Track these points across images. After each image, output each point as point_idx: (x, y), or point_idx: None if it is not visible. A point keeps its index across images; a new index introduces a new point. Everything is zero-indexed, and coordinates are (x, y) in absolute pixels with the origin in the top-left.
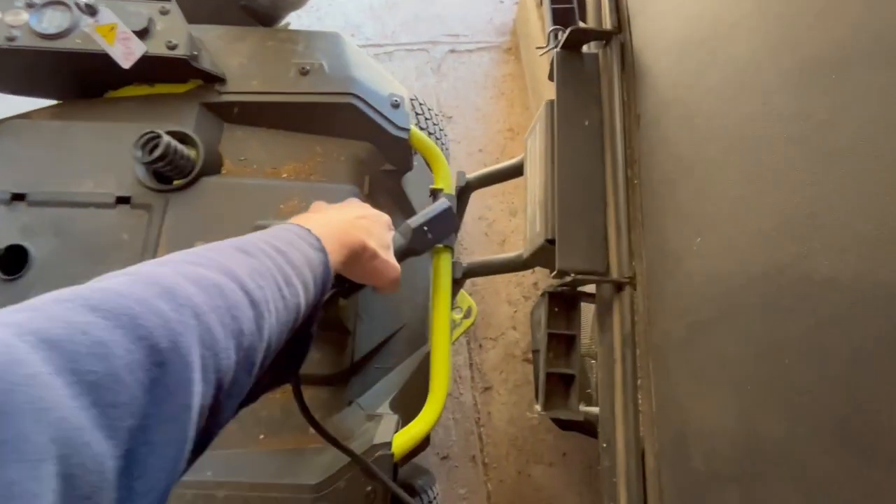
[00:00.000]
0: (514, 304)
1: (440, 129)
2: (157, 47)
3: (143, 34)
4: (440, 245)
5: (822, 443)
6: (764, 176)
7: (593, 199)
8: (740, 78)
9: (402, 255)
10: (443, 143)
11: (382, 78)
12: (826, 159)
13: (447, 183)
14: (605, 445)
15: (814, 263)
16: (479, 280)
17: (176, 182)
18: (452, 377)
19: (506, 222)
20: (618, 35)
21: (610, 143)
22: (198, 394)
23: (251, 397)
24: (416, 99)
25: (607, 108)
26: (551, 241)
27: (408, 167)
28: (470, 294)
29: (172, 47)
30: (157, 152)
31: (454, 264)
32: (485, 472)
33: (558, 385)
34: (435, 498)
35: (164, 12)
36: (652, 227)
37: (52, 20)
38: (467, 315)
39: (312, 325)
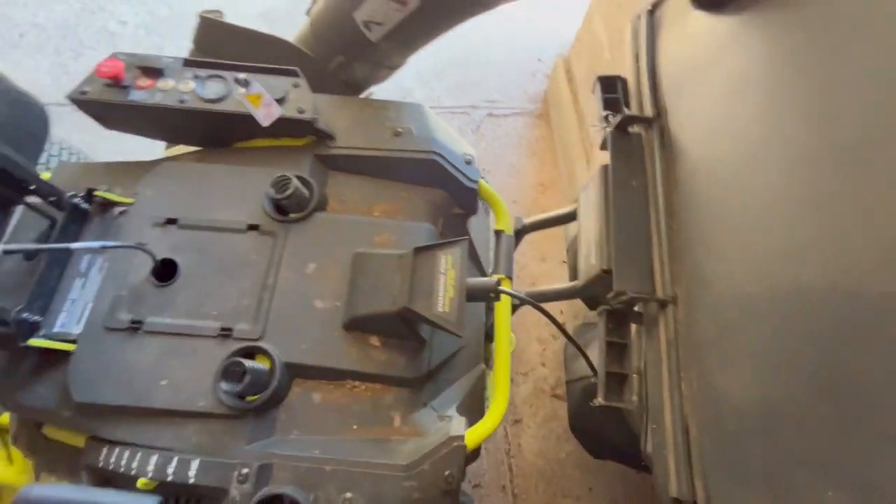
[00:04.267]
0: (544, 342)
1: None
2: (290, 111)
3: (280, 101)
4: (503, 275)
5: (813, 400)
6: (763, 224)
7: (640, 239)
8: (748, 159)
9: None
10: None
11: (457, 140)
12: (811, 221)
13: (507, 225)
14: (654, 426)
15: (804, 279)
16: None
17: (293, 215)
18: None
19: (536, 267)
20: (657, 120)
21: (653, 200)
22: None
23: None
24: None
25: (650, 174)
26: (606, 271)
27: (474, 212)
28: None
29: (301, 112)
30: (288, 192)
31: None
32: (514, 502)
33: (613, 383)
34: None
35: (296, 86)
36: (689, 261)
37: (212, 89)
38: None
39: None
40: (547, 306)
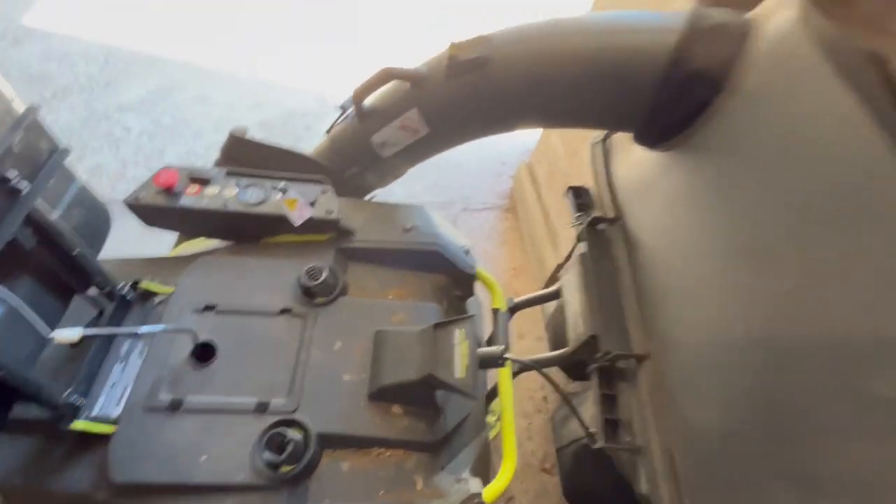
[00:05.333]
0: (528, 416)
1: None
2: (320, 213)
3: (311, 205)
4: (502, 346)
5: (759, 420)
6: (705, 296)
7: (616, 310)
8: (688, 251)
9: None
10: None
11: (455, 234)
12: (732, 294)
13: (502, 304)
14: (645, 461)
15: (735, 334)
16: None
17: (320, 300)
18: None
19: (514, 343)
20: (618, 220)
21: (624, 276)
22: None
23: None
24: None
25: (618, 258)
26: (593, 337)
27: (471, 294)
28: None
29: (329, 213)
30: (320, 279)
31: (511, 361)
32: None
33: (609, 429)
34: None
35: (324, 192)
36: (656, 325)
37: (252, 194)
38: (500, 419)
39: None
40: (528, 379)
